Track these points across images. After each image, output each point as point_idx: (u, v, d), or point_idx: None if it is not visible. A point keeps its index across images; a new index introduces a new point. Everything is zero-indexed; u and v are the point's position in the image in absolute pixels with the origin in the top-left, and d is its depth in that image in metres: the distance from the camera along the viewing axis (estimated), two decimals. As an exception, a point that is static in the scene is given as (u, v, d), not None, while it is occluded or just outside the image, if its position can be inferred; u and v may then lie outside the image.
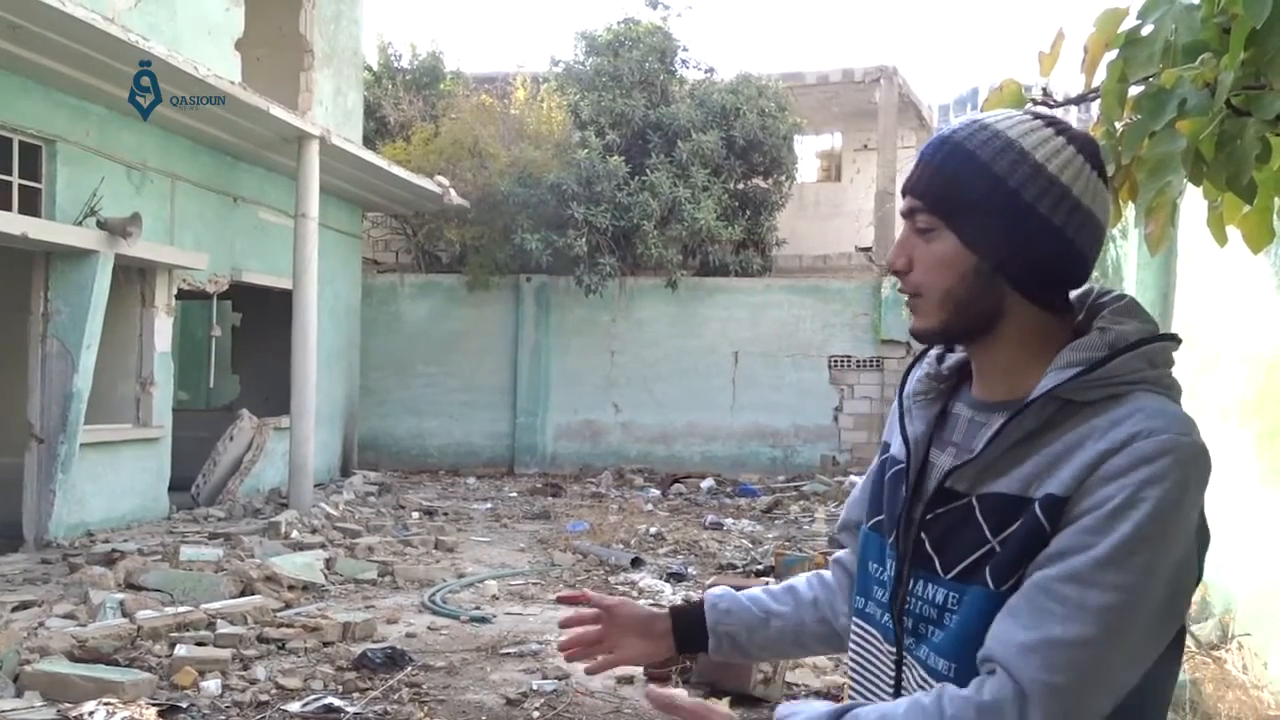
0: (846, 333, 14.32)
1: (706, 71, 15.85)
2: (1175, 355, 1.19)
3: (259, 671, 5.20)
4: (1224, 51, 1.40)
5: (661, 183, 13.68)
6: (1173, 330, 1.25)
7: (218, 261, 10.30)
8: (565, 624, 1.57)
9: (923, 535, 1.22)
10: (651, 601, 6.59)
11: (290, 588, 6.89)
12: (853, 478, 12.95)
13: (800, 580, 1.56)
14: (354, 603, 6.82)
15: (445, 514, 10.61)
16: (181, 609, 5.99)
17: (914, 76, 39.94)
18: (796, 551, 8.00)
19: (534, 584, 7.53)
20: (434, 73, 16.89)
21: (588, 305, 14.19)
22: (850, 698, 1.32)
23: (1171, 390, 1.16)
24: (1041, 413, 1.14)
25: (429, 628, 6.25)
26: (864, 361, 14.27)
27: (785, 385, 14.31)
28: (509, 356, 14.61)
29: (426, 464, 14.43)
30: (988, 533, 1.15)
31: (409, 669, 5.31)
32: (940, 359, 1.34)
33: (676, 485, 12.97)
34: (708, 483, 13.08)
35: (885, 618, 1.27)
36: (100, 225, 8.31)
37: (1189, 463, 1.07)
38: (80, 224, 8.32)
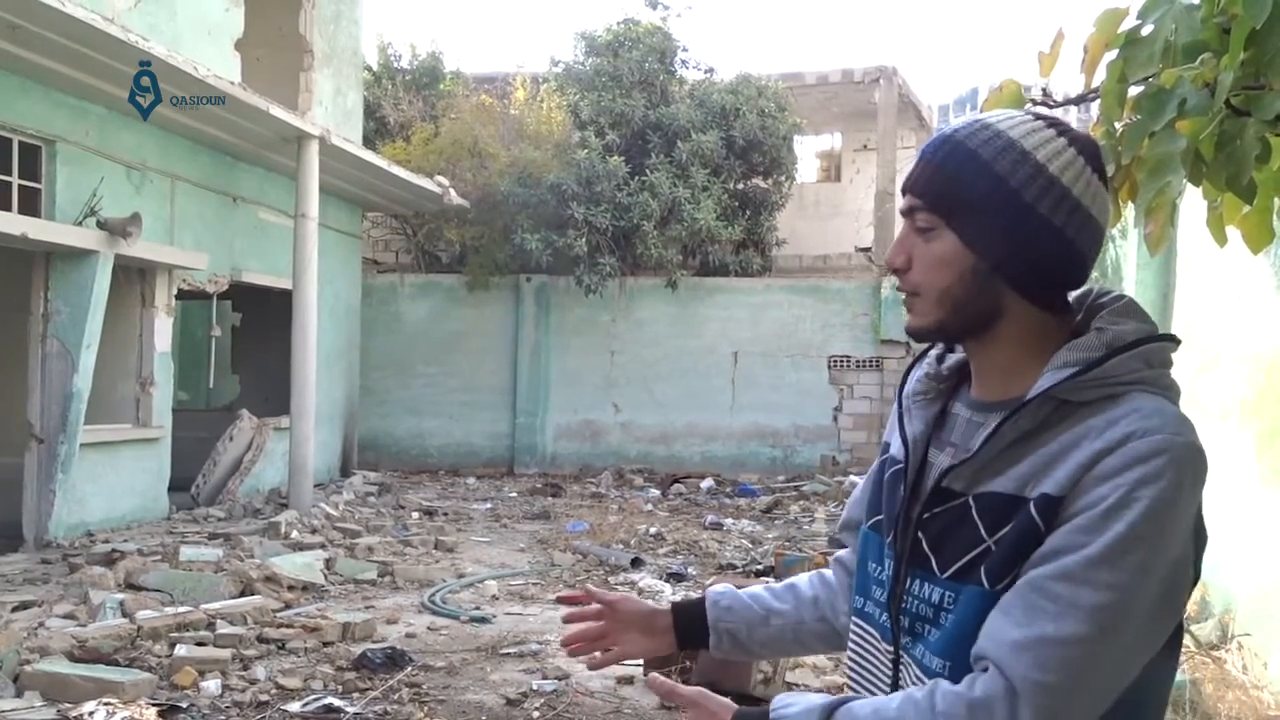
0: (846, 333, 14.33)
1: (706, 72, 15.87)
2: (1174, 356, 1.19)
3: (259, 671, 5.20)
4: (1224, 51, 1.40)
5: (661, 183, 13.68)
6: (1172, 330, 1.25)
7: (218, 261, 10.30)
8: (569, 619, 1.58)
9: (920, 535, 1.23)
10: (652, 602, 6.58)
11: (290, 588, 6.89)
12: (852, 478, 12.95)
13: (802, 579, 1.57)
14: (354, 603, 6.82)
15: (445, 514, 10.61)
16: (181, 609, 5.99)
17: (914, 77, 39.95)
18: (796, 551, 8.00)
19: (534, 584, 7.53)
20: (434, 73, 16.89)
21: (588, 305, 14.19)
22: (849, 696, 1.32)
23: (1169, 391, 1.16)
24: (1038, 413, 1.14)
25: (429, 628, 6.25)
26: (864, 361, 14.27)
27: (785, 385, 14.32)
28: (509, 356, 14.61)
29: (426, 464, 14.43)
30: (983, 532, 1.15)
31: (409, 669, 5.31)
32: (940, 359, 1.34)
33: (676, 485, 12.97)
34: (707, 483, 13.08)
35: (883, 617, 1.28)
36: (100, 225, 8.31)
37: (1184, 462, 1.07)
38: (80, 224, 8.32)
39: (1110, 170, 1.60)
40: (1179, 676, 4.44)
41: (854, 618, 1.36)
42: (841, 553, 1.53)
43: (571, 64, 15.56)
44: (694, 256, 14.67)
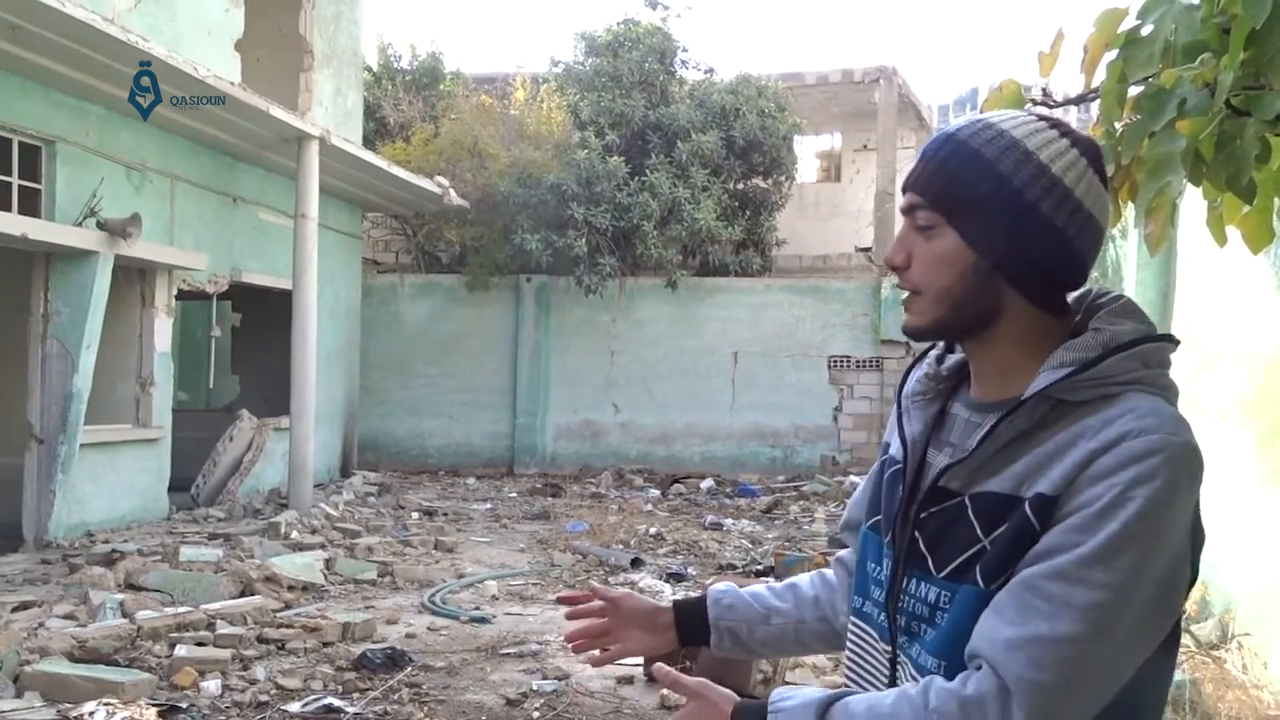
0: (846, 333, 14.33)
1: (706, 72, 15.87)
2: (1174, 356, 1.19)
3: (259, 672, 5.20)
4: (1224, 51, 1.40)
5: (661, 183, 13.68)
6: (1172, 330, 1.25)
7: (217, 262, 10.30)
8: (572, 616, 1.58)
9: (917, 534, 1.23)
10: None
11: (290, 588, 6.89)
12: (852, 478, 12.95)
13: (803, 579, 1.57)
14: (354, 603, 6.82)
15: (445, 514, 10.61)
16: (181, 609, 5.99)
17: (914, 77, 39.97)
18: (796, 552, 8.00)
19: (534, 584, 7.53)
20: (434, 73, 16.89)
21: (588, 305, 14.19)
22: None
23: (1167, 391, 1.16)
24: (1034, 412, 1.14)
25: (429, 628, 6.25)
26: (864, 362, 14.27)
27: (785, 385, 14.32)
28: (509, 357, 14.61)
29: (426, 464, 14.43)
30: (979, 532, 1.15)
31: (409, 669, 5.31)
32: (940, 360, 1.34)
33: (676, 485, 12.97)
34: (707, 483, 13.08)
35: (881, 617, 1.28)
36: (100, 226, 8.31)
37: (1180, 462, 1.07)
38: (80, 224, 8.32)
39: (1110, 170, 1.60)
40: (1179, 676, 4.45)
41: (853, 617, 1.36)
42: (842, 552, 1.53)
43: (571, 64, 15.56)
44: (694, 256, 14.67)
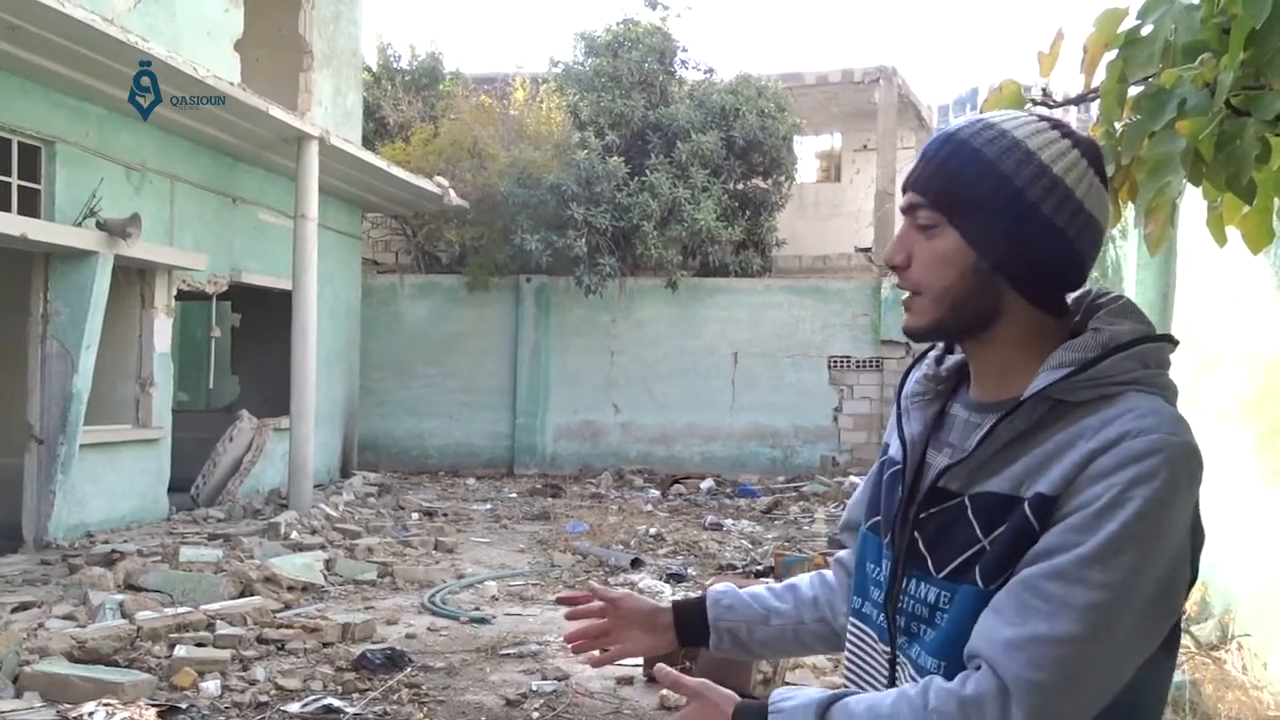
0: (846, 333, 14.33)
1: (706, 72, 15.87)
2: (1173, 356, 1.19)
3: (258, 672, 5.20)
4: (1224, 51, 1.40)
5: (661, 183, 13.68)
6: (1172, 330, 1.25)
7: (217, 262, 10.30)
8: (571, 616, 1.58)
9: (916, 535, 1.23)
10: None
11: (290, 588, 6.89)
12: (852, 478, 12.95)
13: (802, 579, 1.57)
14: (353, 603, 6.82)
15: (445, 515, 10.61)
16: (181, 610, 5.99)
17: (913, 77, 39.98)
18: (796, 552, 8.00)
19: (533, 585, 7.53)
20: (433, 73, 16.89)
21: (588, 306, 14.19)
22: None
23: (1166, 391, 1.16)
24: (1033, 413, 1.14)
25: (429, 629, 6.25)
26: (864, 362, 14.27)
27: (785, 386, 14.31)
28: (509, 357, 14.61)
29: (426, 465, 14.43)
30: (979, 532, 1.15)
31: (408, 670, 5.31)
32: (939, 360, 1.34)
33: (676, 486, 12.97)
34: (707, 483, 13.08)
35: (880, 617, 1.28)
36: (100, 226, 8.31)
37: (1179, 462, 1.07)
38: (80, 225, 8.32)
39: (1110, 170, 1.60)
40: (1179, 677, 4.44)
41: (852, 618, 1.36)
42: (842, 553, 1.53)
43: (571, 64, 15.56)
44: (694, 257, 14.67)
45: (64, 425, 8.18)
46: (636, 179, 13.74)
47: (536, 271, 14.22)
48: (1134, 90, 1.61)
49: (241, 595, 6.54)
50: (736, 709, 1.18)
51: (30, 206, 8.13)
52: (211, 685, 4.94)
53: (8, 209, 7.86)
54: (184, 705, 4.71)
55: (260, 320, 12.59)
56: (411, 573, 7.65)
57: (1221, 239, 1.76)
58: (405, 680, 5.16)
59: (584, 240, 13.44)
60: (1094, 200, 1.18)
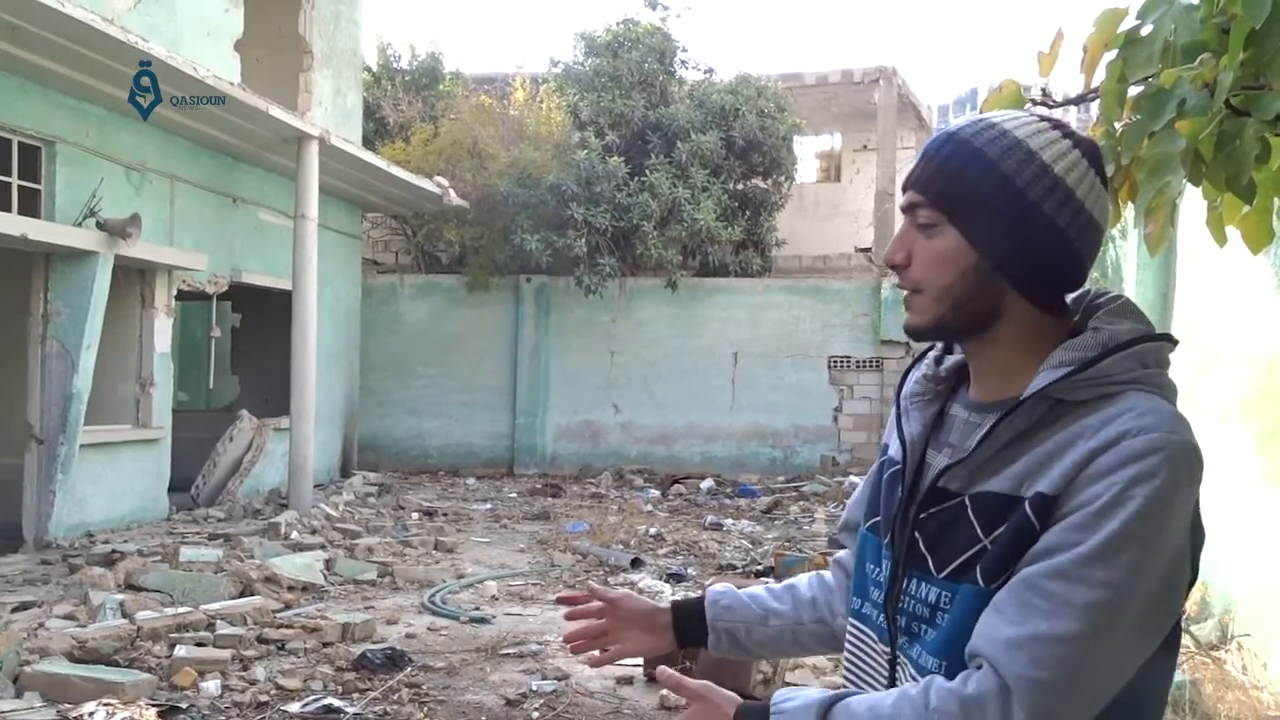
0: (846, 333, 14.33)
1: (706, 72, 15.87)
2: (1173, 356, 1.19)
3: (259, 672, 5.20)
4: (1223, 51, 1.40)
5: (661, 183, 13.68)
6: (1172, 330, 1.25)
7: (217, 262, 10.30)
8: (570, 616, 1.58)
9: (917, 535, 1.23)
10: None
11: (290, 588, 6.89)
12: (852, 478, 12.95)
13: (801, 580, 1.57)
14: (354, 603, 6.82)
15: (445, 514, 10.61)
16: (181, 610, 5.99)
17: (913, 77, 40.00)
18: (796, 552, 8.00)
19: (533, 585, 7.53)
20: (433, 73, 16.89)
21: (587, 306, 14.19)
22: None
23: (1165, 390, 1.16)
24: (1033, 412, 1.14)
25: (429, 628, 6.25)
26: (864, 362, 14.27)
27: (785, 386, 14.31)
28: (509, 357, 14.61)
29: (426, 464, 14.43)
30: (979, 532, 1.15)
31: (408, 670, 5.31)
32: (938, 361, 1.34)
33: (676, 486, 12.97)
34: (707, 483, 13.08)
35: (880, 618, 1.28)
36: (100, 226, 8.31)
37: (1179, 461, 1.07)
38: (80, 225, 8.32)
39: (1110, 170, 1.60)
40: (1179, 677, 4.44)
41: (851, 619, 1.36)
42: (840, 554, 1.53)
43: (571, 64, 15.56)
44: (694, 257, 14.67)
45: (64, 425, 8.18)
46: (636, 179, 13.74)
47: (536, 271, 14.22)
48: (1134, 90, 1.61)
49: (242, 595, 6.54)
50: (738, 711, 1.18)
51: (30, 206, 8.13)
52: (212, 685, 4.94)
53: (8, 209, 7.86)
54: (184, 705, 4.71)
55: (260, 320, 12.59)
56: (411, 573, 7.65)
57: (1221, 239, 1.76)
58: (405, 680, 5.16)
59: (584, 240, 13.44)
60: (1094, 201, 1.18)
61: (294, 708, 4.71)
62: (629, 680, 5.19)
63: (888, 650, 1.26)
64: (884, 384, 14.01)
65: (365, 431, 14.13)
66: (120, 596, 6.21)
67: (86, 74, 7.99)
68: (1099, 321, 1.17)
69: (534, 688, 5.10)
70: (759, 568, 7.99)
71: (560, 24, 61.94)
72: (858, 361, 14.28)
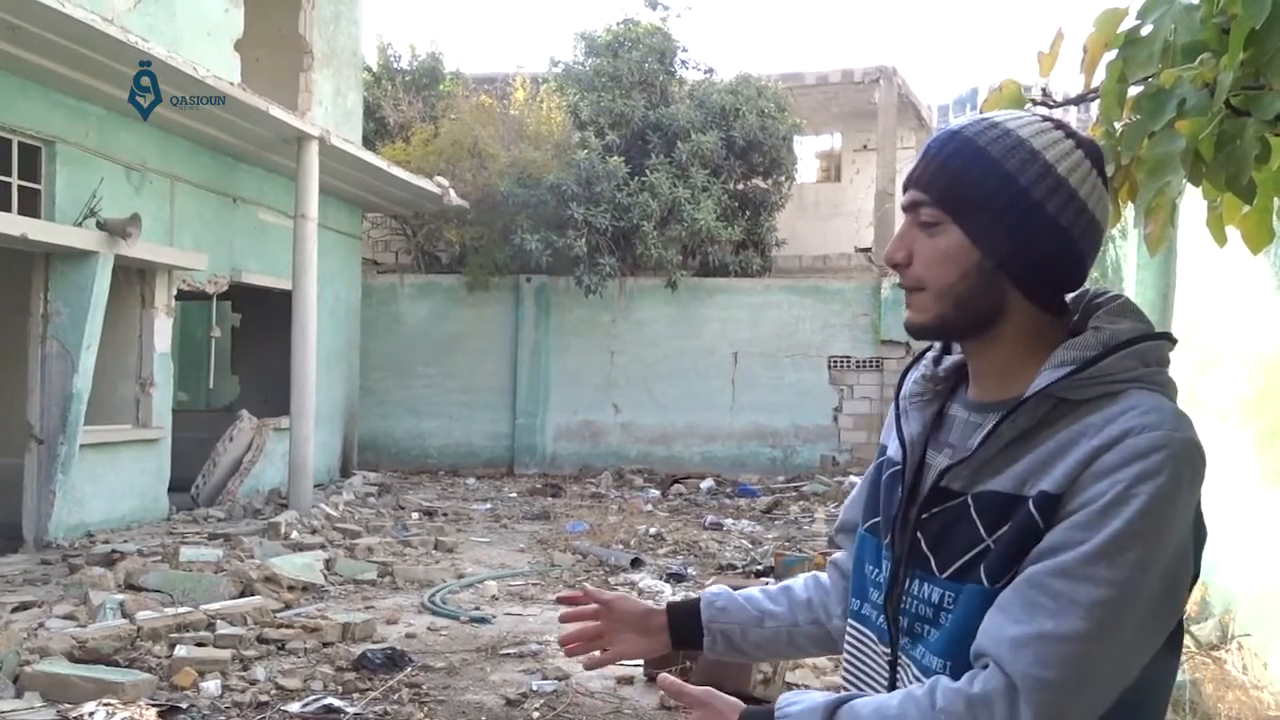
0: (846, 333, 14.33)
1: (706, 72, 15.87)
2: (1172, 355, 1.19)
3: (259, 672, 5.20)
4: (1223, 51, 1.40)
5: (661, 183, 13.68)
6: (1172, 330, 1.25)
7: (217, 262, 10.30)
8: (565, 618, 1.58)
9: (919, 535, 1.22)
10: (651, 603, 6.58)
11: (290, 588, 6.89)
12: (852, 478, 12.95)
13: (797, 581, 1.57)
14: (354, 603, 6.82)
15: (445, 514, 10.61)
16: (181, 610, 5.99)
17: (914, 77, 40.01)
18: (796, 552, 8.00)
19: (534, 585, 7.53)
20: (433, 73, 16.89)
21: (588, 305, 14.19)
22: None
23: (1166, 388, 1.16)
24: (1035, 411, 1.14)
25: (429, 628, 6.25)
26: (864, 362, 14.27)
27: (785, 385, 14.31)
28: (509, 357, 14.61)
29: (426, 464, 14.43)
30: (982, 531, 1.15)
31: (409, 669, 5.31)
32: (937, 361, 1.34)
33: (676, 486, 12.97)
34: (707, 483, 13.08)
35: (880, 619, 1.27)
36: (100, 226, 8.31)
37: (1182, 458, 1.07)
38: (80, 225, 8.32)
39: (1110, 170, 1.60)
40: (1179, 676, 4.44)
41: (850, 620, 1.35)
42: (837, 555, 1.52)
43: (571, 64, 15.56)
44: (694, 257, 14.67)
45: (64, 425, 8.18)
46: (636, 179, 13.74)
47: (536, 271, 14.22)
48: (1134, 90, 1.61)
49: (242, 595, 6.54)
50: (742, 716, 1.18)
51: (30, 206, 8.13)
52: (212, 685, 4.94)
53: (8, 209, 7.86)
54: (184, 705, 4.71)
55: (260, 320, 12.59)
56: (411, 572, 7.65)
57: (1221, 239, 1.76)
58: (405, 680, 5.16)
59: (584, 240, 13.44)
60: (1096, 200, 1.18)
61: (294, 708, 4.71)
62: (629, 680, 5.20)
63: (888, 651, 1.26)
64: (884, 384, 14.01)
65: (365, 431, 14.13)
66: (120, 596, 6.21)
67: (86, 74, 7.99)
68: (1099, 321, 1.17)
69: (534, 688, 5.10)
70: (759, 568, 7.98)
71: (560, 24, 61.97)
72: (858, 361, 14.28)
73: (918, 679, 1.18)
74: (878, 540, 1.30)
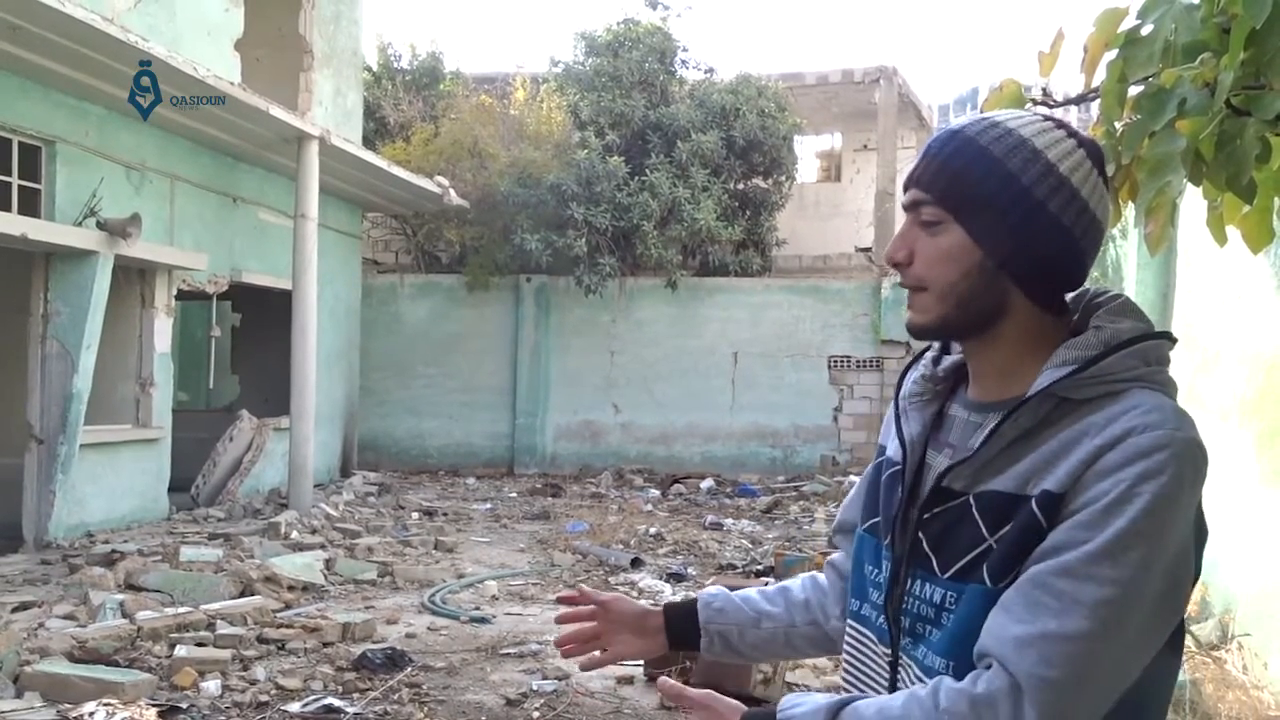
0: (846, 333, 14.33)
1: (706, 72, 15.87)
2: (1172, 355, 1.19)
3: (259, 672, 5.20)
4: (1224, 51, 1.40)
5: (661, 183, 13.68)
6: (1172, 330, 1.25)
7: (217, 262, 10.30)
8: (562, 620, 1.58)
9: (920, 535, 1.22)
10: (651, 602, 6.59)
11: (290, 588, 6.89)
12: (852, 478, 12.94)
13: (794, 582, 1.56)
14: (354, 603, 6.82)
15: (445, 514, 10.61)
16: (181, 610, 5.99)
17: (914, 76, 40.01)
18: (796, 552, 8.00)
19: (534, 584, 7.53)
20: (434, 73, 16.89)
21: (588, 305, 14.19)
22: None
23: (1167, 387, 1.16)
24: (1038, 410, 1.14)
25: (429, 628, 6.25)
26: (864, 362, 14.27)
27: (785, 385, 14.32)
28: (509, 357, 14.61)
29: (426, 464, 14.43)
30: (984, 531, 1.15)
31: (409, 669, 5.31)
32: (936, 361, 1.34)
33: (676, 486, 12.97)
34: (707, 483, 13.08)
35: (880, 620, 1.27)
36: (100, 226, 8.31)
37: (1185, 458, 1.07)
38: (80, 225, 8.32)
39: (1110, 170, 1.60)
40: (1179, 676, 4.44)
41: (850, 621, 1.35)
42: (834, 556, 1.52)
43: (571, 64, 15.56)
44: (694, 256, 14.67)
45: (64, 425, 8.18)
46: (636, 179, 13.74)
47: (536, 271, 14.22)
48: (1134, 90, 1.61)
49: (242, 595, 6.54)
50: (744, 718, 1.18)
51: (30, 206, 8.13)
52: (212, 685, 4.94)
53: (8, 209, 7.86)
54: (184, 705, 4.71)
55: (260, 320, 12.59)
56: (411, 572, 7.65)
57: (1221, 239, 1.76)
58: (405, 680, 5.16)
59: (584, 240, 13.44)
60: (1097, 200, 1.18)
61: (294, 708, 4.71)
62: (629, 680, 5.20)
63: (888, 652, 1.26)
64: (884, 384, 14.01)
65: (365, 431, 14.13)
66: (120, 596, 6.21)
67: (86, 74, 7.99)
68: (1100, 320, 1.17)
69: (534, 687, 5.10)
70: (759, 568, 7.98)
71: (560, 24, 61.98)
72: (858, 361, 14.28)
73: (919, 679, 1.18)
74: (877, 541, 1.30)
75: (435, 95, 16.27)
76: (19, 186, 8.07)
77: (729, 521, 10.37)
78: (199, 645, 5.46)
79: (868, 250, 16.20)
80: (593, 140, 13.99)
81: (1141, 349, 1.15)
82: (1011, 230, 1.16)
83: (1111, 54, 1.62)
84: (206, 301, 11.13)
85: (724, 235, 14.25)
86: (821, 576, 1.54)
